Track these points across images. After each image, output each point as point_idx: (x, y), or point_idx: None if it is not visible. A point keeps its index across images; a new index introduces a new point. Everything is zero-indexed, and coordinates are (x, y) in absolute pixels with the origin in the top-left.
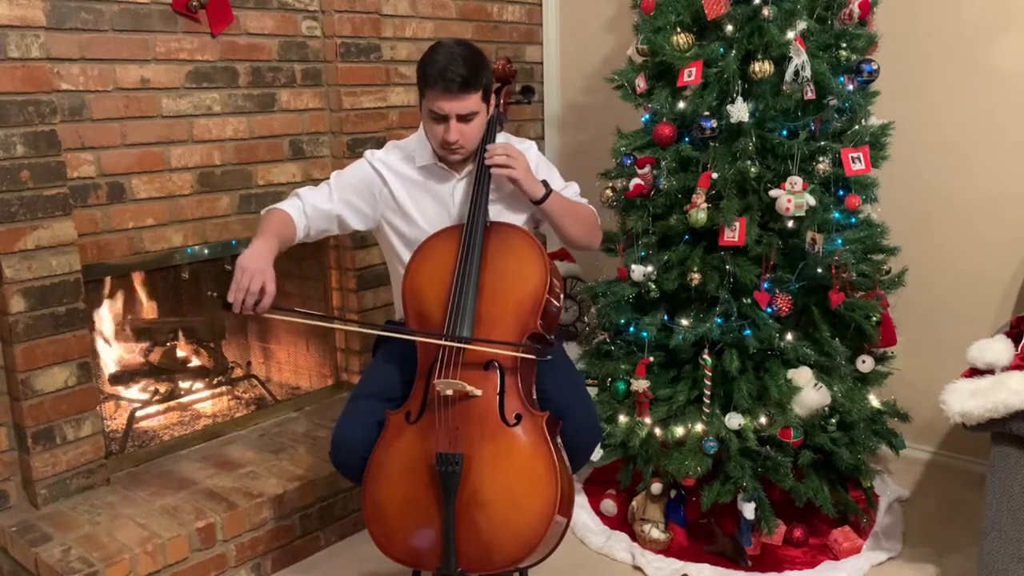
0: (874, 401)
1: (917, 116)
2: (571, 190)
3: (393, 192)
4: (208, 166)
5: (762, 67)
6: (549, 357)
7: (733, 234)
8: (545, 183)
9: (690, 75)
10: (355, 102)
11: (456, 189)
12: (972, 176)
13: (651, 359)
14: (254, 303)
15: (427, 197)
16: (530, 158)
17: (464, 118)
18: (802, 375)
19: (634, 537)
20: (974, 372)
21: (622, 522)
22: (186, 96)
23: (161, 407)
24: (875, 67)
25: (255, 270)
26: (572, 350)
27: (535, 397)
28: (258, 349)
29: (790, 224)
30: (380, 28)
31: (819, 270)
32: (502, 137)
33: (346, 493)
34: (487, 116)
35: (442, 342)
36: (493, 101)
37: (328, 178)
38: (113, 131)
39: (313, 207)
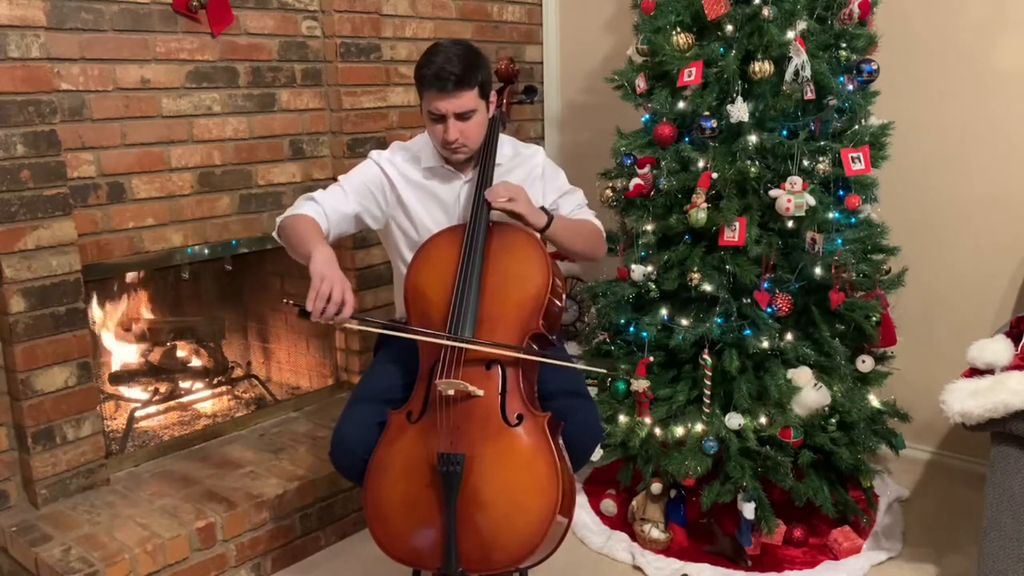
0: (874, 401)
1: (917, 116)
2: (575, 197)
3: (400, 193)
4: (208, 166)
5: (762, 67)
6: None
7: (733, 234)
8: (545, 209)
9: (690, 75)
10: (355, 102)
11: (462, 191)
12: (972, 176)
13: (651, 359)
14: (335, 313)
15: (432, 199)
16: (537, 163)
17: (462, 116)
18: (802, 375)
19: (634, 537)
20: (974, 372)
21: (622, 522)
22: (186, 96)
23: (161, 407)
24: (875, 67)
25: (335, 278)
26: (572, 350)
27: (536, 397)
28: (258, 349)
29: (790, 224)
30: (380, 28)
31: (819, 270)
32: (505, 139)
33: (346, 493)
34: (487, 114)
35: (518, 353)
36: (494, 100)
37: (332, 179)
38: (113, 131)
39: (335, 210)
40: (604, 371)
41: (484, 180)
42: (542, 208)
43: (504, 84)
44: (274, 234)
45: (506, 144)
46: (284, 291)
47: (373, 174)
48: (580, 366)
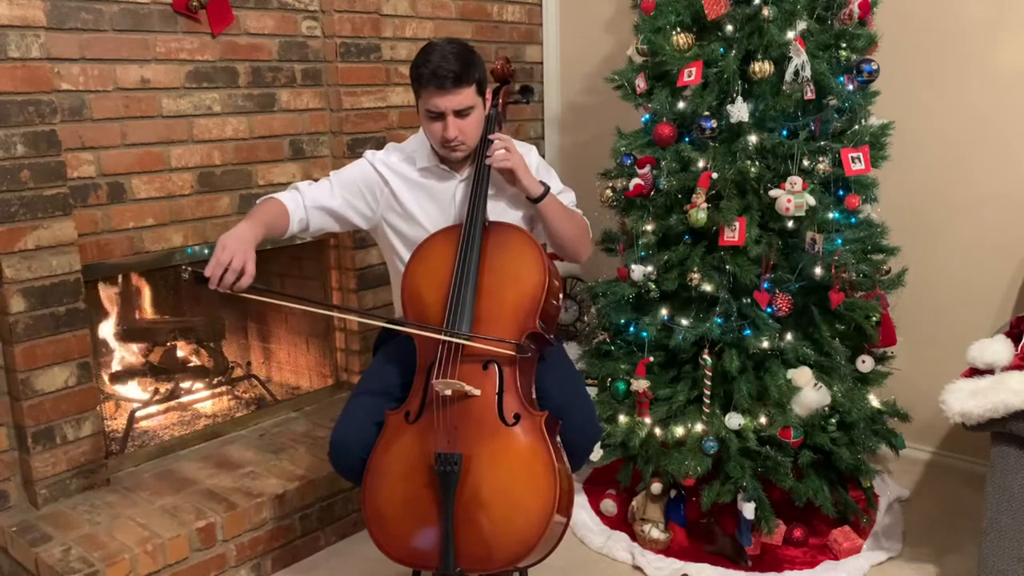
0: (874, 401)
1: (917, 116)
2: (568, 196)
3: (395, 193)
4: (208, 166)
5: (762, 67)
6: (528, 355)
7: (733, 234)
8: (543, 183)
9: (690, 75)
10: (355, 102)
11: (457, 190)
12: (972, 176)
13: (651, 359)
14: (232, 281)
15: (429, 198)
16: (530, 161)
17: (460, 113)
18: (802, 375)
19: (634, 537)
20: (974, 372)
21: (622, 522)
22: (186, 96)
23: (161, 407)
24: (875, 67)
25: (236, 248)
26: (572, 350)
27: (534, 397)
28: (258, 349)
29: (790, 224)
30: (380, 28)
31: (819, 270)
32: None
33: (346, 493)
34: (484, 112)
35: (441, 337)
36: (490, 99)
37: (327, 176)
38: (113, 131)
39: (315, 203)
40: (513, 352)
41: (480, 179)
42: (541, 182)
43: (500, 84)
44: None
45: None
46: (284, 290)
47: (365, 173)
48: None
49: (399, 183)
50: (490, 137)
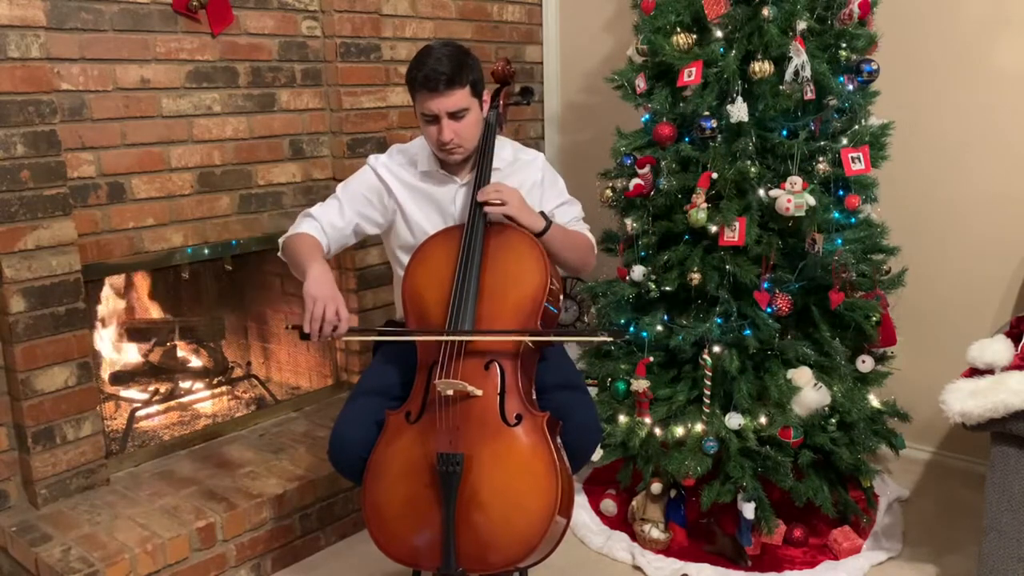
0: (874, 401)
1: (917, 116)
2: (573, 210)
3: (397, 198)
4: (208, 166)
5: (762, 67)
6: (614, 338)
7: (733, 234)
8: (543, 214)
9: (690, 75)
10: (355, 102)
11: (458, 195)
12: (972, 176)
13: (651, 359)
14: (332, 331)
15: (429, 202)
16: (536, 169)
17: (455, 115)
18: (802, 375)
19: (634, 537)
20: (974, 372)
21: (622, 522)
22: (186, 96)
23: (161, 407)
24: (875, 67)
25: (326, 297)
26: (572, 350)
27: (535, 397)
28: (258, 349)
29: (790, 224)
30: (380, 28)
31: (819, 270)
32: (506, 141)
33: (346, 493)
34: (481, 113)
35: (482, 338)
36: (488, 101)
37: (332, 180)
38: (113, 131)
39: (331, 225)
40: (594, 338)
41: (481, 183)
42: (541, 213)
43: (500, 85)
44: (279, 254)
45: (506, 147)
46: (284, 291)
47: (370, 182)
48: (572, 338)
49: (401, 188)
50: (479, 191)
